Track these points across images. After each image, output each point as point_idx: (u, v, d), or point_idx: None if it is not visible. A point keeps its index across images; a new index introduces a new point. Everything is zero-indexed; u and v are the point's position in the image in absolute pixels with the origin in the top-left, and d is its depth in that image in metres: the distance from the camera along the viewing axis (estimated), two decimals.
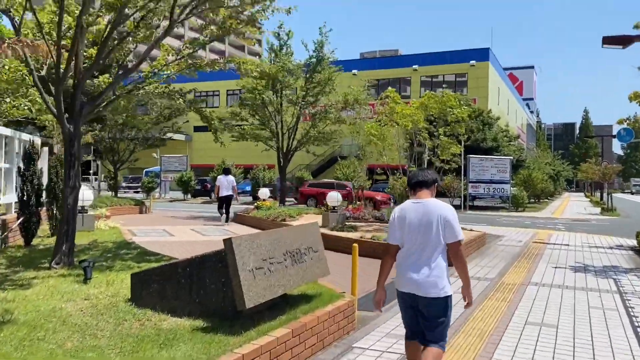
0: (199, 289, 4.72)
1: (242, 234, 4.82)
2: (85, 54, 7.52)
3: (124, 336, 4.07)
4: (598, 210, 33.44)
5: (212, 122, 10.08)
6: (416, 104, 13.07)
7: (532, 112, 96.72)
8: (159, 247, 10.74)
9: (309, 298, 5.42)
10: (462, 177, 31.32)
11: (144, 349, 3.79)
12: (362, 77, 40.98)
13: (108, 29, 6.77)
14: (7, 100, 9.83)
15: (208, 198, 38.30)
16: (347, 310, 5.55)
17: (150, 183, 39.59)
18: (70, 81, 7.01)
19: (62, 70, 6.38)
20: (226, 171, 18.05)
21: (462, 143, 30.66)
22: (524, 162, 38.90)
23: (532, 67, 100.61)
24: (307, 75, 19.47)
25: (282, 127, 19.41)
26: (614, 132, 27.61)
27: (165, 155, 40.47)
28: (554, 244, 14.24)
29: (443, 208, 3.72)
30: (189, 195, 39.31)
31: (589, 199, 55.83)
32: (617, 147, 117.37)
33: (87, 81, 9.10)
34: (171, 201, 36.47)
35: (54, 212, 9.94)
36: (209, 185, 38.43)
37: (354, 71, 47.20)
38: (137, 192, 41.60)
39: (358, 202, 16.57)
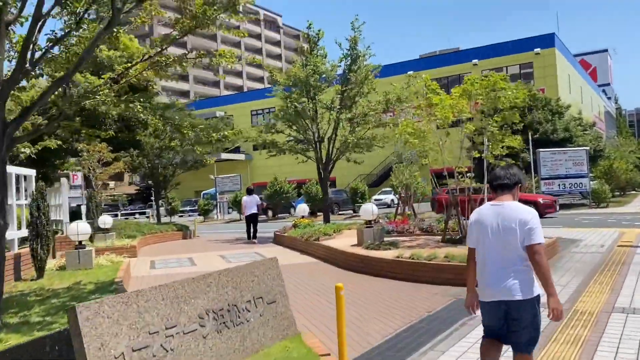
0: None
1: (150, 286, 3.19)
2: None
3: None
4: None
5: (184, 131, 8.56)
6: (458, 91, 11.00)
7: (609, 98, 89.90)
8: (164, 282, 9.36)
9: None
10: (533, 173, 28.40)
11: None
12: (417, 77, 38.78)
13: (30, 22, 5.40)
14: None
15: (265, 216, 37.26)
16: None
17: (206, 205, 39.14)
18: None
19: None
20: (249, 191, 18.07)
21: (530, 136, 27.90)
22: (603, 151, 35.06)
23: (606, 50, 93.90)
24: (342, 77, 17.73)
25: (318, 136, 17.72)
26: None
27: (219, 176, 39.89)
28: None
29: (523, 212, 3.52)
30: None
31: None
32: None
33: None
34: (227, 222, 35.68)
35: (38, 251, 8.77)
36: (264, 204, 37.39)
37: (410, 72, 44.96)
38: (201, 214, 41.10)
39: (405, 213, 14.56)
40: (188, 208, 49.50)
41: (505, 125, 11.06)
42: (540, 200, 22.29)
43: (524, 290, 3.42)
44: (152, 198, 47.17)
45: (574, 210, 26.08)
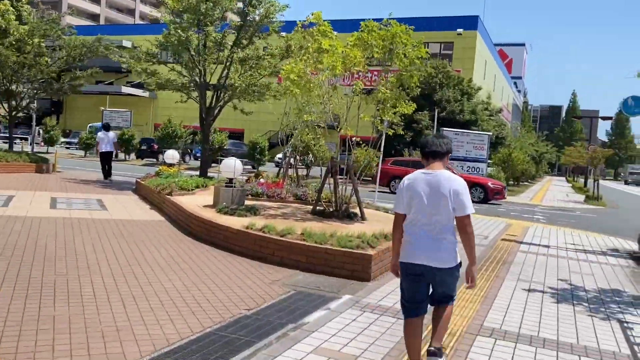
0: None
1: None
2: None
3: None
4: (581, 197, 30.30)
5: None
6: (352, 40, 9.22)
7: (519, 91, 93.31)
8: None
9: None
10: None
11: None
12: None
13: None
14: None
15: (155, 160, 34.25)
16: None
17: (88, 139, 35.36)
18: None
19: None
20: (106, 127, 16.30)
21: (437, 113, 26.99)
22: (505, 139, 35.34)
23: (523, 44, 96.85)
24: (241, 11, 15.41)
25: (203, 75, 15.37)
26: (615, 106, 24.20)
27: (107, 109, 36.01)
28: (530, 243, 10.74)
29: (454, 181, 3.56)
30: (132, 156, 35.03)
31: (570, 185, 53.09)
32: (602, 133, 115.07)
33: None
34: None
35: None
36: (156, 146, 34.27)
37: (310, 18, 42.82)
38: (82, 149, 37.07)
39: (288, 175, 12.82)
40: (76, 140, 44.96)
41: (401, 89, 9.44)
42: (490, 184, 21.37)
43: (451, 259, 3.55)
44: (33, 123, 42.49)
45: None
